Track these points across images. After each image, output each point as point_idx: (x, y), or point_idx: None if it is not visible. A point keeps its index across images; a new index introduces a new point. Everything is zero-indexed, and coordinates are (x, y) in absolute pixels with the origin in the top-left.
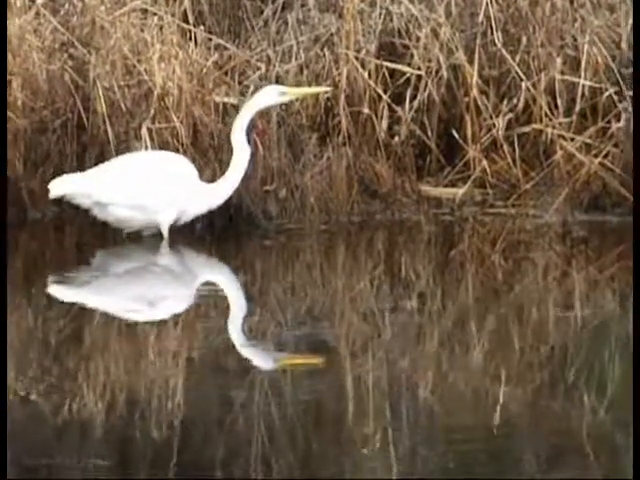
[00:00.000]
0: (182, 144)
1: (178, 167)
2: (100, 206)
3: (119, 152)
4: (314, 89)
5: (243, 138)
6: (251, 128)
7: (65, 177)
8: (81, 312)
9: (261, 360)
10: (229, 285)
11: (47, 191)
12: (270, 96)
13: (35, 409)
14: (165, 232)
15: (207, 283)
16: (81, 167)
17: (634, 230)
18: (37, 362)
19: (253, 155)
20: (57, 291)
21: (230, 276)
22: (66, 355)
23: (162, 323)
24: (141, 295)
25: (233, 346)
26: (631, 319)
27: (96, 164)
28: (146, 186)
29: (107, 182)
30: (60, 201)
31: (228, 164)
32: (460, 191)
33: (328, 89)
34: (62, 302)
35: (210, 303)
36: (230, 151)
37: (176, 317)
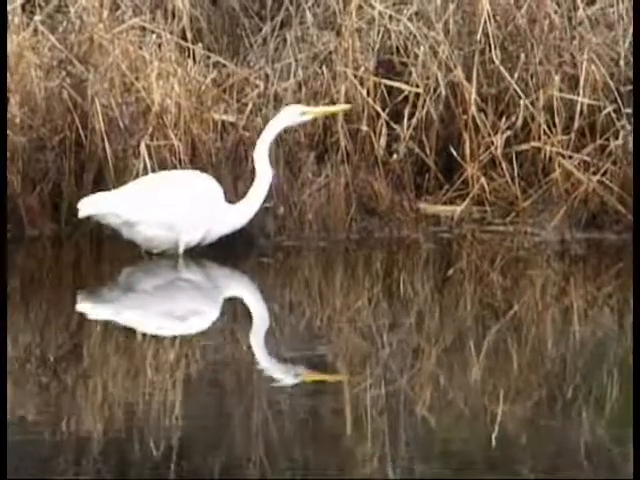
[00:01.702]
0: (180, 161)
1: (206, 187)
2: (128, 225)
3: (117, 169)
4: (334, 108)
5: (265, 158)
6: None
7: (94, 196)
8: (80, 327)
9: (282, 375)
10: (252, 299)
11: (45, 208)
12: (292, 116)
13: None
14: (181, 250)
15: (231, 298)
16: (79, 184)
17: (634, 245)
18: (35, 378)
19: (251, 173)
20: (86, 308)
21: (254, 290)
22: (65, 371)
23: (185, 338)
24: (170, 310)
25: (254, 361)
26: (629, 336)
27: (94, 181)
28: (176, 206)
29: (137, 201)
30: (58, 218)
31: (226, 182)
32: (458, 209)
33: (348, 107)
34: (62, 318)
35: (234, 317)
36: (228, 168)
37: (202, 331)
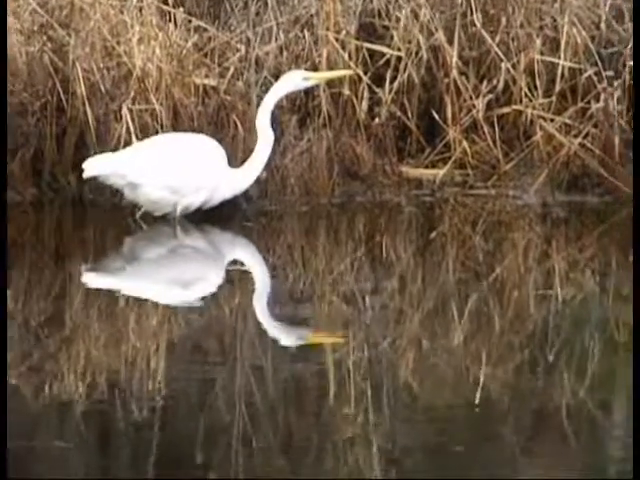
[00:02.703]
0: (162, 126)
1: (211, 150)
2: (132, 186)
3: (99, 134)
4: (337, 73)
5: (267, 124)
6: (275, 114)
7: (99, 157)
8: (62, 295)
9: (286, 336)
10: (254, 263)
11: (27, 173)
12: (293, 81)
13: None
14: (179, 213)
15: (234, 262)
16: (60, 149)
17: (634, 224)
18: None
19: (233, 138)
20: (92, 279)
21: (255, 254)
22: (49, 337)
23: (192, 304)
24: (175, 278)
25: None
26: (611, 298)
27: (76, 146)
28: (181, 168)
29: (143, 163)
30: (39, 183)
31: None
32: (440, 172)
33: (350, 72)
34: (45, 285)
35: (237, 282)
36: (209, 132)
37: (208, 297)
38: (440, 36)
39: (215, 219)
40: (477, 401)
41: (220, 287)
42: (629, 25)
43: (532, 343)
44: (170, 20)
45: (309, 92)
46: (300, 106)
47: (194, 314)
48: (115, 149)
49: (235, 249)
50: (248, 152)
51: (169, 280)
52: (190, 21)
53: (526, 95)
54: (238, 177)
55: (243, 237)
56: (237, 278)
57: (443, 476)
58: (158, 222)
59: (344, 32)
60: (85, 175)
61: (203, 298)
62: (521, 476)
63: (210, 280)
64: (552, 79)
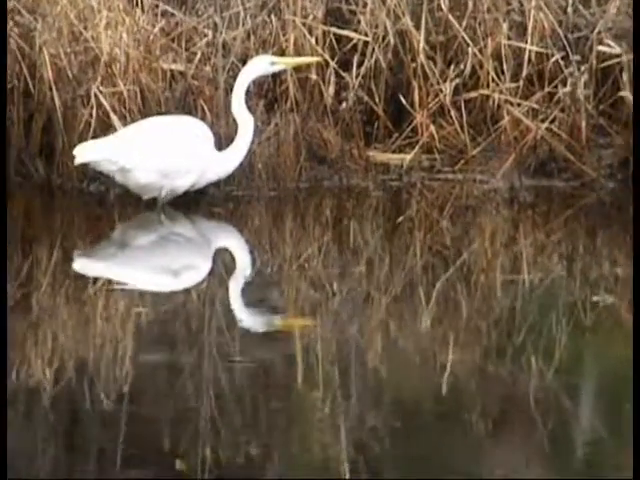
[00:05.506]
0: (129, 111)
1: (200, 133)
2: (123, 172)
3: (66, 119)
4: (304, 59)
5: (243, 108)
6: (249, 97)
7: (90, 143)
8: (28, 281)
9: (254, 322)
10: (239, 249)
11: None
12: (260, 66)
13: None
14: (163, 195)
15: (221, 249)
16: (28, 134)
17: (634, 224)
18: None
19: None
20: (83, 266)
21: (241, 240)
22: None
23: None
24: (165, 266)
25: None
26: (578, 283)
27: (43, 131)
28: (173, 152)
29: (133, 148)
30: (7, 169)
31: None
32: (408, 157)
33: (318, 59)
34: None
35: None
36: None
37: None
38: (407, 21)
39: (181, 204)
40: (444, 386)
41: (206, 274)
42: (596, 9)
43: (499, 327)
44: (137, 5)
45: (276, 77)
46: (267, 91)
47: (175, 300)
48: (82, 134)
49: (221, 235)
50: (215, 136)
51: (158, 269)
52: (157, 6)
53: (493, 80)
54: (224, 160)
55: (227, 223)
56: (223, 264)
57: (411, 460)
58: (133, 208)
59: (311, 17)
60: (76, 162)
61: (189, 285)
62: (488, 461)
63: (198, 267)
64: (519, 64)
